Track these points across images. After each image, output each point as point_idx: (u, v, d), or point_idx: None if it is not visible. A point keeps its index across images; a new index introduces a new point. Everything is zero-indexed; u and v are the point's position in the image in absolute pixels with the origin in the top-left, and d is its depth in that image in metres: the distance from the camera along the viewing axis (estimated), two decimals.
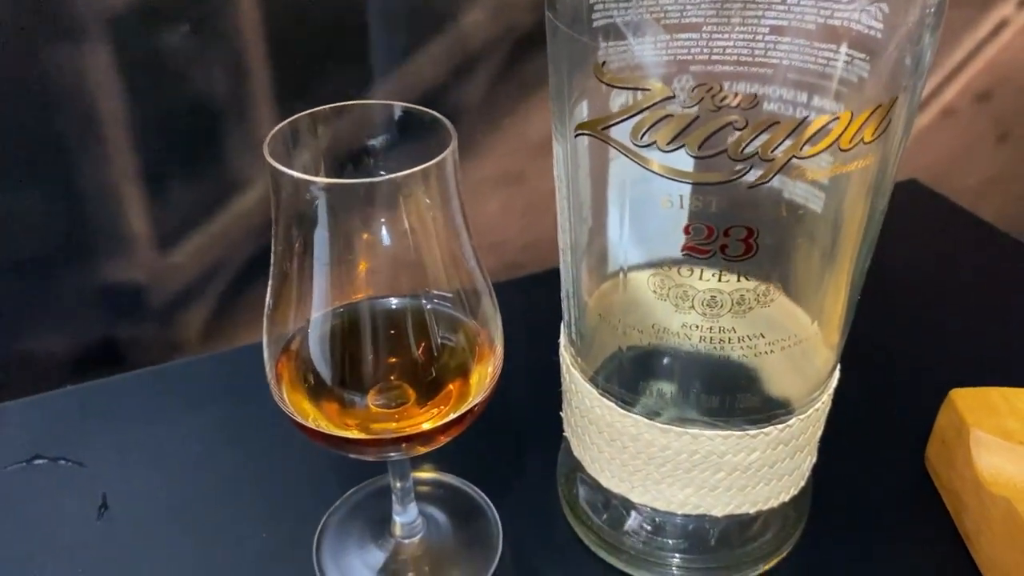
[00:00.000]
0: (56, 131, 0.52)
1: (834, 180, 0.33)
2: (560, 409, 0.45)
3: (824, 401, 0.40)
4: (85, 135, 0.52)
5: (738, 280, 0.34)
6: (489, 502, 0.47)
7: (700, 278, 0.34)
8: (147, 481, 0.50)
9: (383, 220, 0.35)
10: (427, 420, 0.37)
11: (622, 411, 0.39)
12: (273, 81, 0.54)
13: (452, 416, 0.37)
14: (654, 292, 0.35)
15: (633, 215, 0.35)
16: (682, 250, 0.33)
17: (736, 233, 0.32)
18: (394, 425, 0.37)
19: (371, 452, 0.38)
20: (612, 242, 0.37)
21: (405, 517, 0.44)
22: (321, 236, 0.34)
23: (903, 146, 0.33)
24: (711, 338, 0.35)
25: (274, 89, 0.55)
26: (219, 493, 0.49)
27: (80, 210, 0.54)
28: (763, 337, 0.35)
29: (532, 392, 0.50)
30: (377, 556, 0.44)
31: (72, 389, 0.56)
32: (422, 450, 0.38)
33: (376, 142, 0.38)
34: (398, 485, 0.44)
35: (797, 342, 0.36)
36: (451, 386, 0.39)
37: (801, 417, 0.39)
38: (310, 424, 0.36)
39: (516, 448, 0.52)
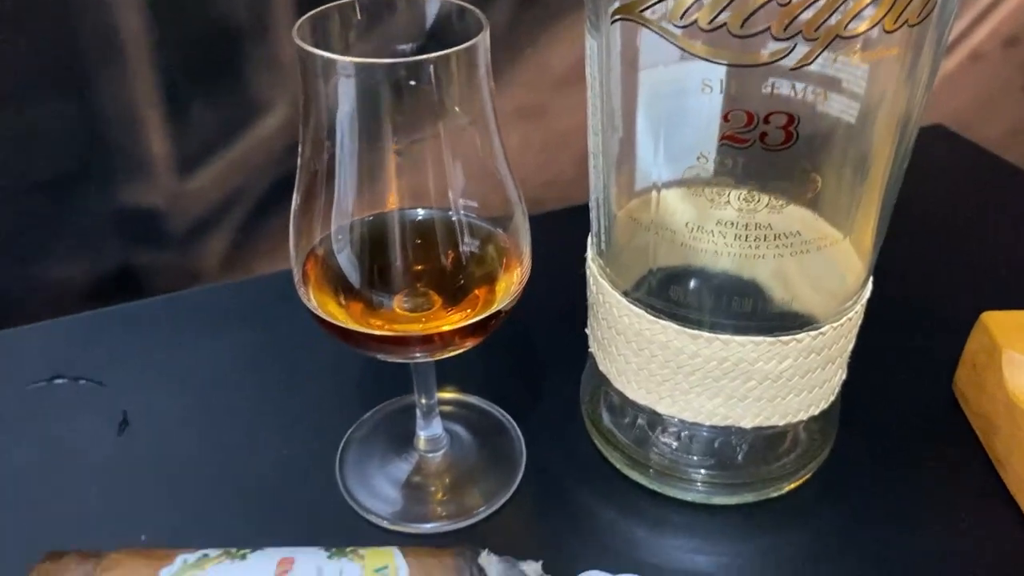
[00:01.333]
0: (75, 48, 0.51)
1: (872, 76, 0.32)
2: (585, 327, 0.45)
3: (857, 312, 0.39)
4: (105, 53, 0.52)
5: (775, 174, 0.33)
6: (513, 422, 0.47)
7: (738, 178, 0.33)
8: (168, 400, 0.49)
9: (413, 114, 0.34)
10: (452, 323, 0.37)
11: (651, 317, 0.38)
12: (295, 1, 0.54)
13: (478, 318, 0.36)
14: (689, 188, 0.34)
15: (667, 129, 0.35)
16: (720, 140, 0.32)
17: (776, 120, 0.31)
18: (419, 326, 0.37)
19: (395, 352, 0.37)
20: (643, 157, 0.36)
21: (429, 431, 0.44)
22: (348, 121, 0.33)
23: (941, 49, 0.33)
24: (747, 236, 0.34)
25: (297, 9, 0.54)
26: (240, 412, 0.49)
27: (99, 131, 0.54)
28: (799, 235, 0.34)
29: (554, 320, 0.50)
30: (401, 469, 0.44)
31: (91, 314, 0.56)
32: (447, 353, 0.38)
33: (405, 47, 0.37)
34: (423, 401, 0.43)
35: (833, 243, 0.35)
36: (477, 292, 0.38)
37: (834, 325, 0.38)
38: (336, 322, 0.36)
39: (539, 371, 0.51)
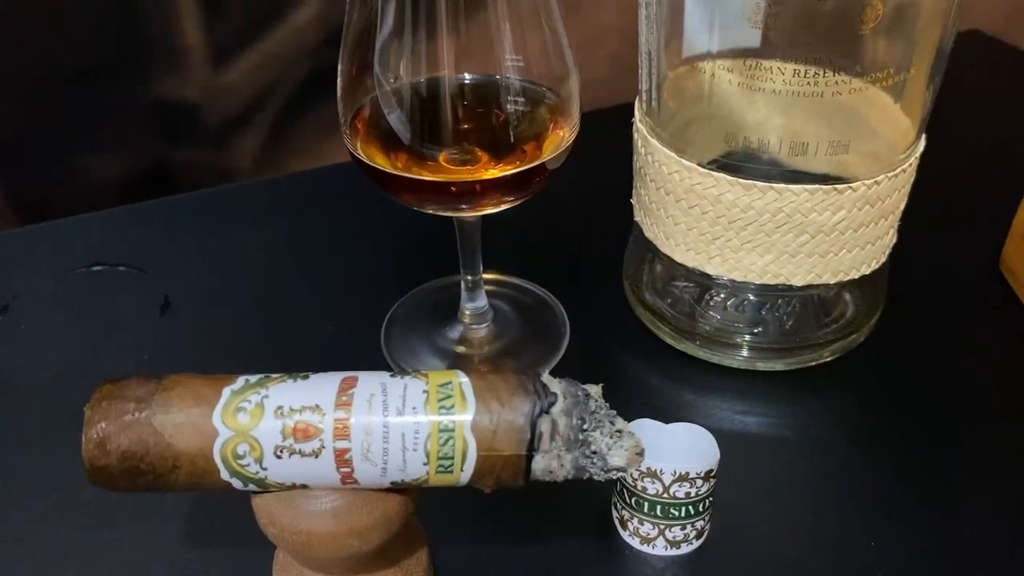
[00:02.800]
0: None
1: None
2: (630, 196, 0.44)
3: (911, 164, 0.39)
4: None
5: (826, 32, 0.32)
6: (555, 299, 0.47)
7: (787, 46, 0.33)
8: (208, 285, 0.49)
9: None
10: (496, 172, 0.36)
11: (703, 171, 0.38)
12: None
13: (522, 168, 0.36)
14: (749, 21, 0.33)
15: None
16: None
17: None
18: (464, 174, 0.36)
19: (440, 202, 0.37)
20: (691, 23, 0.36)
21: (474, 304, 0.44)
22: None
23: None
24: (804, 72, 0.34)
25: None
26: (283, 293, 0.48)
27: (134, 19, 0.53)
28: (857, 67, 0.34)
29: (591, 208, 0.52)
30: (446, 340, 0.44)
31: (127, 207, 0.56)
32: (491, 206, 0.37)
33: None
34: (469, 278, 0.43)
35: (894, 74, 0.35)
36: (525, 148, 0.38)
37: (889, 176, 0.37)
38: (383, 169, 0.36)
39: (579, 256, 0.51)
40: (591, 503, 0.36)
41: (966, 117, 0.62)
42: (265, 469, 0.28)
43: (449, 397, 0.28)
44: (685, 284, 0.43)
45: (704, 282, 0.42)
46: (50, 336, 0.46)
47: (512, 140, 0.37)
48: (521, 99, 0.37)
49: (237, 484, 0.28)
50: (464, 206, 0.37)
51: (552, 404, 0.28)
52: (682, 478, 0.33)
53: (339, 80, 0.37)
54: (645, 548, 0.34)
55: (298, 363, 0.43)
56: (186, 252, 0.52)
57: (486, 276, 0.48)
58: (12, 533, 0.36)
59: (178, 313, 0.48)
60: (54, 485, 0.38)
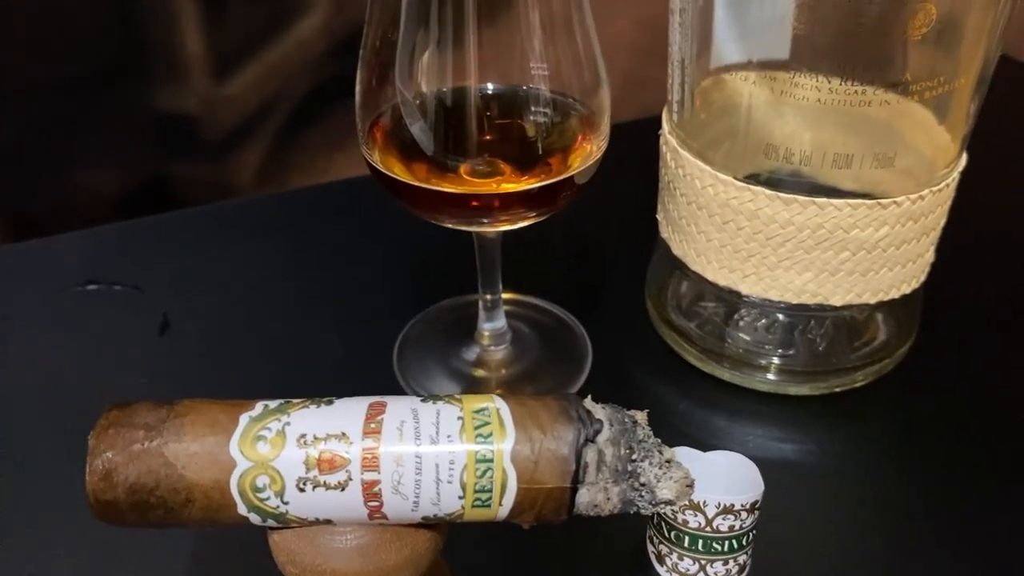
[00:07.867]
0: None
1: None
2: (652, 213, 0.42)
3: (954, 179, 0.37)
4: None
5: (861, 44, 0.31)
6: (576, 320, 0.45)
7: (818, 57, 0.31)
8: (210, 303, 0.47)
9: None
10: (519, 185, 0.34)
11: (740, 184, 0.36)
12: None
13: (549, 181, 0.34)
14: (794, 26, 0.32)
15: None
16: None
17: None
18: (487, 187, 0.34)
19: (462, 215, 0.35)
20: (721, 31, 0.35)
21: (493, 324, 0.42)
22: None
23: None
24: (845, 91, 0.32)
25: None
26: (288, 314, 0.46)
27: (134, 26, 0.51)
28: (902, 77, 0.32)
29: (611, 227, 0.51)
30: (463, 362, 0.42)
31: (123, 223, 0.53)
32: (512, 221, 0.35)
33: None
34: (488, 297, 0.41)
35: (942, 83, 0.33)
36: (551, 161, 0.36)
37: (933, 190, 0.36)
38: (403, 180, 0.34)
39: (599, 274, 0.49)
40: (625, 537, 0.34)
41: (995, 140, 0.61)
42: (286, 503, 0.25)
43: (486, 424, 0.26)
44: (713, 304, 0.41)
45: (733, 301, 0.40)
46: (43, 358, 0.43)
47: (538, 153, 0.36)
48: (548, 110, 0.35)
49: (255, 519, 0.26)
50: (485, 220, 0.35)
51: (597, 432, 0.26)
52: (727, 510, 0.31)
53: (357, 87, 0.35)
54: None
55: (306, 387, 0.41)
56: (185, 270, 0.49)
57: (504, 296, 0.46)
58: (3, 572, 0.33)
59: (178, 334, 0.45)
60: (48, 519, 0.35)
